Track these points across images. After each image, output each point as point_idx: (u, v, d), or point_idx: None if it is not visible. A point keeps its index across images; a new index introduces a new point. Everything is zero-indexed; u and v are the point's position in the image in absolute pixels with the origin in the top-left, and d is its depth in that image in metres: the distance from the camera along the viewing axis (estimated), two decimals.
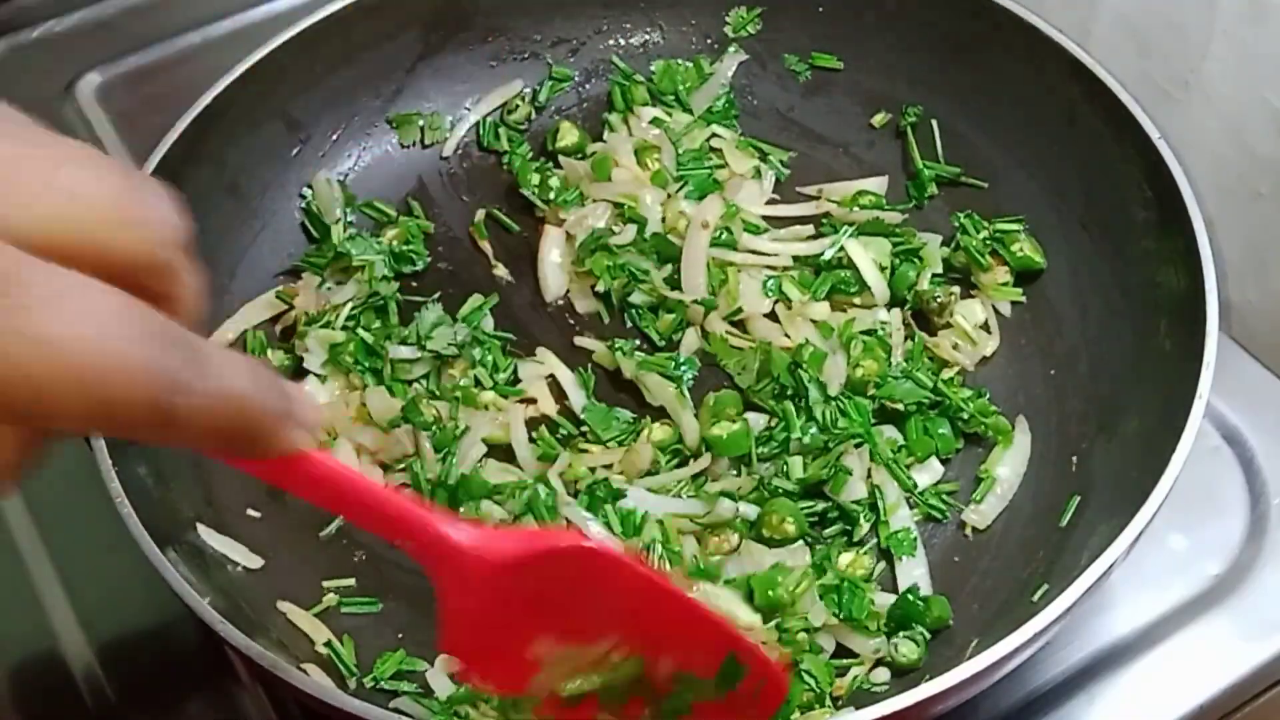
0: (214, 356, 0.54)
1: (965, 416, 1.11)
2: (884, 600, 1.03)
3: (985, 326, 1.18)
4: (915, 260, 1.19)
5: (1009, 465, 1.11)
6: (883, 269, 1.19)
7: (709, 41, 1.36)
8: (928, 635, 1.01)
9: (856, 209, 1.24)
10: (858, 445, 1.08)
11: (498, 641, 0.83)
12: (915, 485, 1.09)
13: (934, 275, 1.20)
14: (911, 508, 1.09)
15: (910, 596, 1.02)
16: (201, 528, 1.04)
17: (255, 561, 1.06)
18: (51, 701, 1.10)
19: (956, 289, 1.20)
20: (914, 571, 1.06)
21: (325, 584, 1.07)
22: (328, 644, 1.02)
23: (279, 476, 0.68)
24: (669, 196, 1.26)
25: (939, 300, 1.17)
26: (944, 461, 1.12)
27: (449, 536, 0.76)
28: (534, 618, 0.82)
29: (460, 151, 1.34)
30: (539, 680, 0.84)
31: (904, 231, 1.22)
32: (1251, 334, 1.27)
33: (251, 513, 1.11)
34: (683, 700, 0.86)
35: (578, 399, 1.16)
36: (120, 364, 0.49)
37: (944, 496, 1.10)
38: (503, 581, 0.78)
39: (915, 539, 1.07)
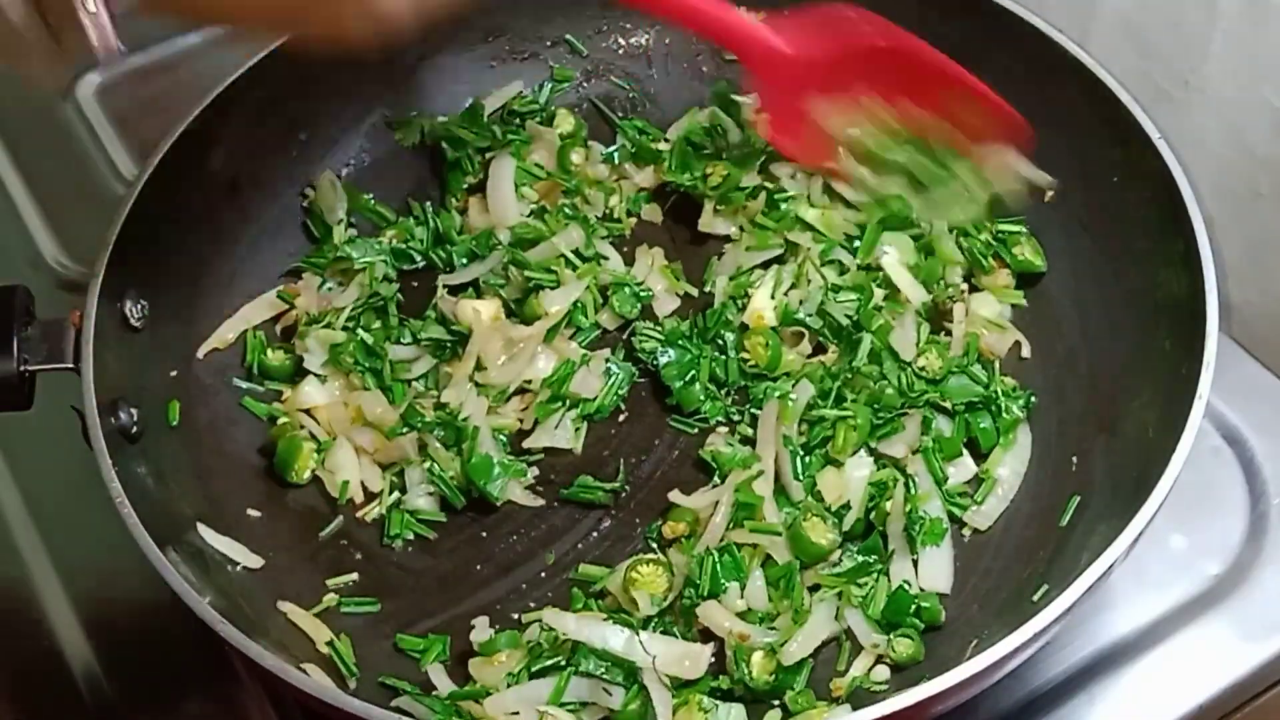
0: None
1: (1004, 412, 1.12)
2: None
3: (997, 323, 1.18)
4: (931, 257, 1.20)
5: (1009, 466, 1.11)
6: (910, 268, 1.19)
7: (709, 41, 1.36)
8: (920, 627, 1.02)
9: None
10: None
11: (811, 126, 1.01)
12: (946, 478, 1.09)
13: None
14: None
15: (905, 589, 1.02)
16: (201, 527, 1.04)
17: (255, 561, 1.06)
18: (51, 701, 1.10)
19: (966, 284, 1.20)
20: (938, 562, 1.05)
21: (327, 583, 1.08)
22: (329, 644, 1.02)
23: None
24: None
25: (951, 299, 1.17)
26: (983, 456, 1.12)
27: (772, 43, 0.94)
28: (844, 95, 1.00)
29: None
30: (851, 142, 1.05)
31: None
32: (1251, 334, 1.27)
33: (252, 512, 1.11)
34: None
35: None
36: None
37: (954, 497, 1.09)
38: (816, 75, 0.97)
39: (946, 529, 1.06)
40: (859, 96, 1.01)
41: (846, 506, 1.07)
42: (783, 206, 1.21)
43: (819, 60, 0.96)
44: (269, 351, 1.19)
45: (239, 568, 1.05)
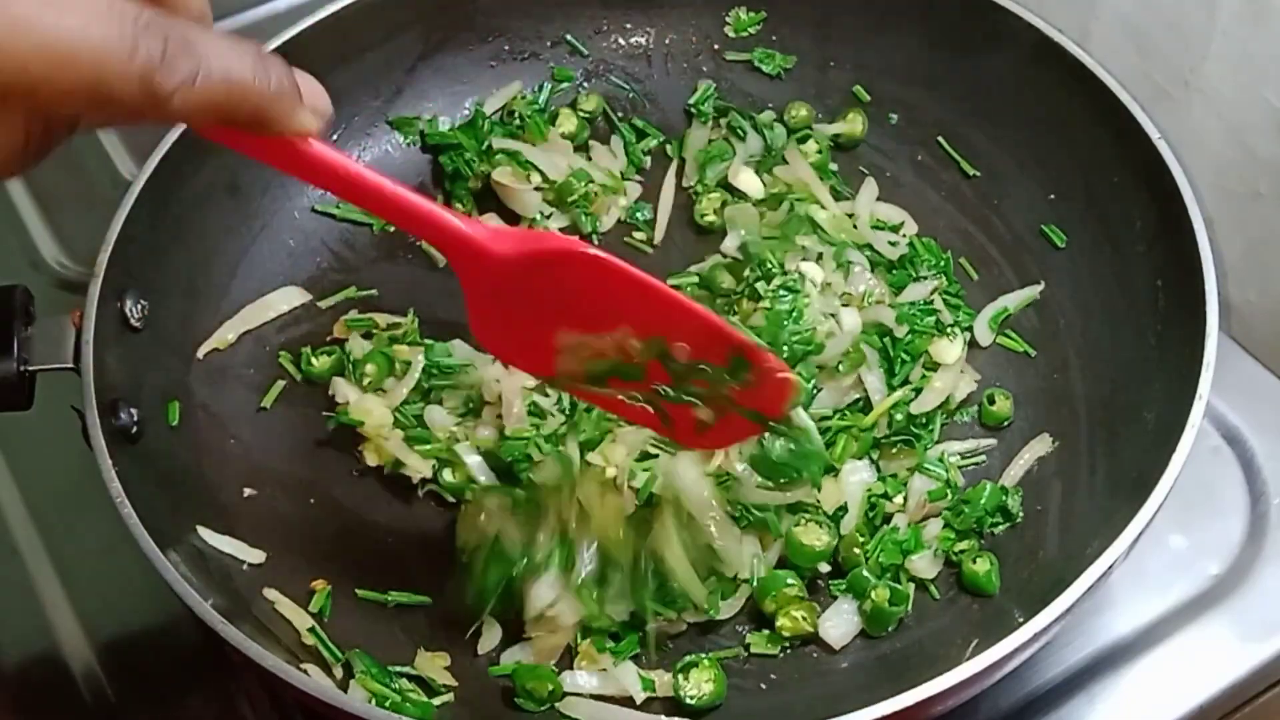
0: (212, 43, 0.63)
1: None
2: None
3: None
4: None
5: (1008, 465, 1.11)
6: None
7: (709, 42, 1.36)
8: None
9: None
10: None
11: (520, 332, 0.91)
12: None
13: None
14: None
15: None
16: (201, 528, 1.04)
17: (257, 556, 1.06)
18: (51, 701, 1.10)
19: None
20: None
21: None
22: (311, 630, 1.01)
23: (292, 162, 0.76)
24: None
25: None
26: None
27: (462, 231, 0.84)
28: (551, 310, 0.89)
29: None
30: (563, 362, 0.92)
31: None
32: (1251, 334, 1.27)
33: (249, 491, 1.12)
34: (698, 375, 0.91)
35: None
36: (105, 46, 0.59)
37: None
38: (517, 276, 0.86)
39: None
40: (584, 318, 0.90)
41: (844, 509, 1.07)
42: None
43: (521, 260, 0.85)
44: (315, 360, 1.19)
45: (242, 565, 1.05)
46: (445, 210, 0.83)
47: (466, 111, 1.34)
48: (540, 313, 0.90)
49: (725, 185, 1.29)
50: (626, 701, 1.00)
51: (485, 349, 0.98)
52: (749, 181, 1.28)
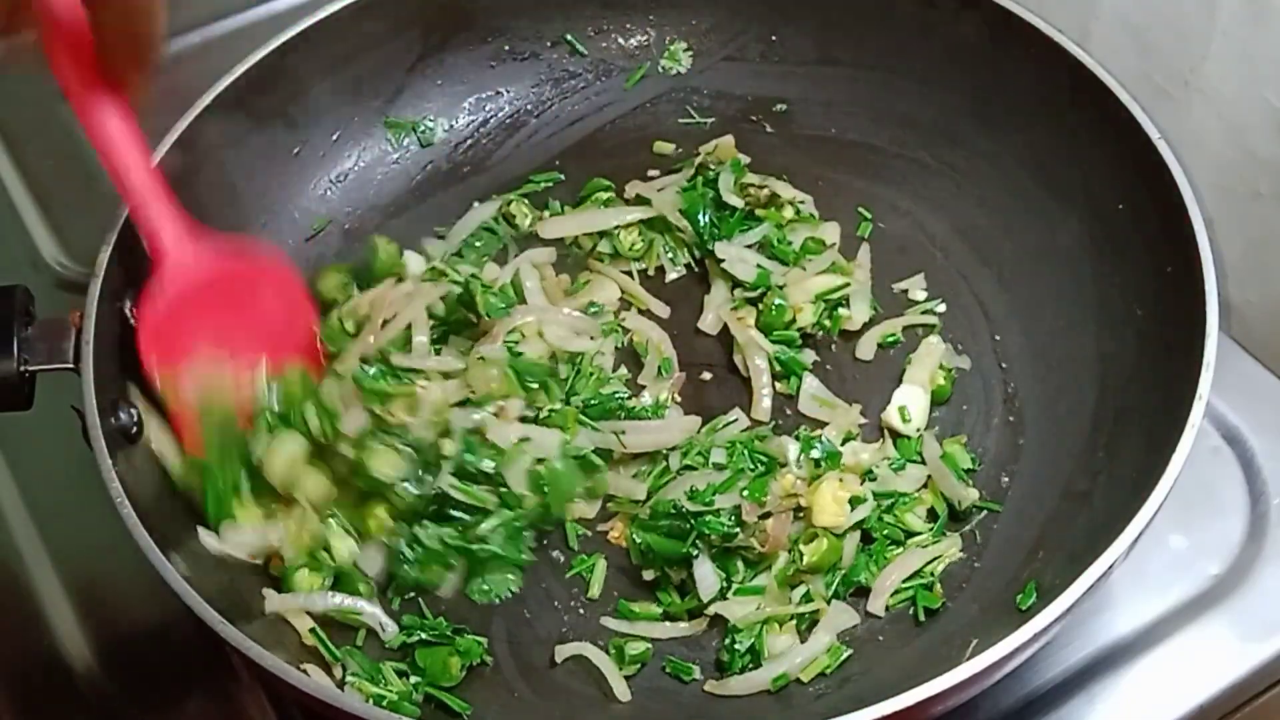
0: None
1: None
2: None
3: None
4: None
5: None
6: None
7: (709, 42, 1.36)
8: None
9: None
10: None
11: (178, 332, 1.04)
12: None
13: None
14: None
15: None
16: (201, 529, 1.04)
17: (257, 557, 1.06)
18: (51, 701, 1.10)
19: None
20: None
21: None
22: (311, 630, 1.01)
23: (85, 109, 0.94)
24: None
25: None
26: None
27: (157, 235, 1.02)
28: (207, 322, 1.04)
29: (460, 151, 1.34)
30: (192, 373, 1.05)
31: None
32: (1251, 334, 1.27)
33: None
34: None
35: None
36: None
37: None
38: (192, 292, 1.03)
39: None
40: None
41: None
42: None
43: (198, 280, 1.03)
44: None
45: (244, 566, 1.05)
46: (158, 210, 1.01)
47: (466, 110, 1.34)
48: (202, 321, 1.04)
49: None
50: None
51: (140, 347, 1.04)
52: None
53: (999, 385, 1.17)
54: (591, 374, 1.14)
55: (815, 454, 1.08)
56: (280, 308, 1.11)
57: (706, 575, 1.04)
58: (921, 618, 1.04)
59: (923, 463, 1.12)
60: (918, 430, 1.14)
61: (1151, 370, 1.06)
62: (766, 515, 1.05)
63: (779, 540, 1.04)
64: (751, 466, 1.09)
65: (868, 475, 1.10)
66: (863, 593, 1.06)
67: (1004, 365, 1.18)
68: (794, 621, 1.04)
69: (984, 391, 1.17)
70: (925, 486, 1.11)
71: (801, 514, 1.07)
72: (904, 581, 1.05)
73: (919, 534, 1.08)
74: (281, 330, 1.11)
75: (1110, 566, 0.89)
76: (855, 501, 1.06)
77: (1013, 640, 0.87)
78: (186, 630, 1.05)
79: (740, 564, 1.05)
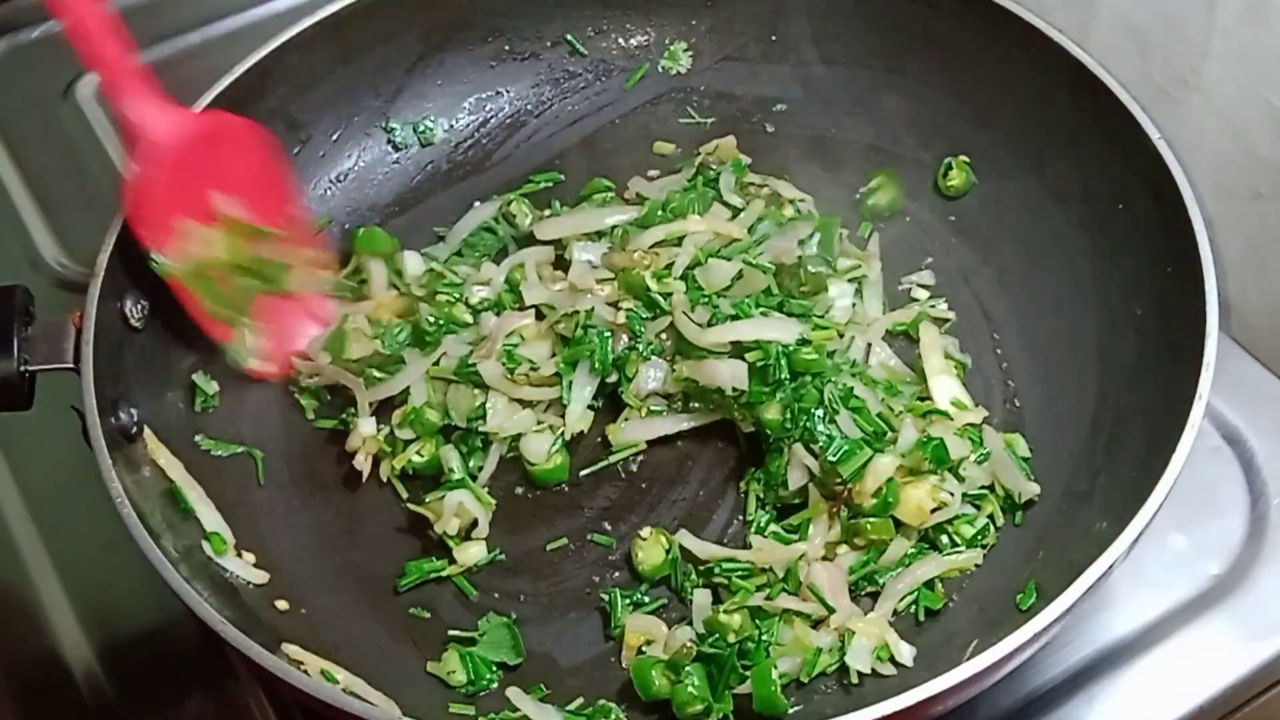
0: None
1: None
2: None
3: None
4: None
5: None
6: None
7: (709, 42, 1.36)
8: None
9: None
10: None
11: (165, 204, 1.08)
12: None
13: None
14: None
15: None
16: (205, 544, 1.04)
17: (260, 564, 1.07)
18: (51, 701, 1.10)
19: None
20: None
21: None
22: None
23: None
24: None
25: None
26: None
27: (133, 113, 1.05)
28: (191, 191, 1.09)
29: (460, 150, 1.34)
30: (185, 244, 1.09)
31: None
32: (1251, 334, 1.27)
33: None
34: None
35: None
36: None
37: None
38: (172, 163, 1.07)
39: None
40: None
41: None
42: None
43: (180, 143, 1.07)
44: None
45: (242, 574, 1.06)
46: (131, 87, 1.05)
47: (466, 110, 1.34)
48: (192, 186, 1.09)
49: None
50: None
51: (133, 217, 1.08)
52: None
53: (999, 385, 1.17)
54: None
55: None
56: (257, 166, 1.16)
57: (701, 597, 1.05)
58: (922, 618, 1.04)
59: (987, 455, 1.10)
60: (984, 414, 1.13)
61: (1151, 370, 1.06)
62: None
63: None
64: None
65: (955, 471, 1.08)
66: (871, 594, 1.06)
67: (1004, 365, 1.18)
68: (803, 619, 1.03)
69: (984, 391, 1.17)
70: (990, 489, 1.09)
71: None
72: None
73: (962, 546, 1.06)
74: (262, 188, 1.16)
75: (1110, 566, 0.89)
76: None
77: (1013, 640, 0.87)
78: (186, 630, 1.05)
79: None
